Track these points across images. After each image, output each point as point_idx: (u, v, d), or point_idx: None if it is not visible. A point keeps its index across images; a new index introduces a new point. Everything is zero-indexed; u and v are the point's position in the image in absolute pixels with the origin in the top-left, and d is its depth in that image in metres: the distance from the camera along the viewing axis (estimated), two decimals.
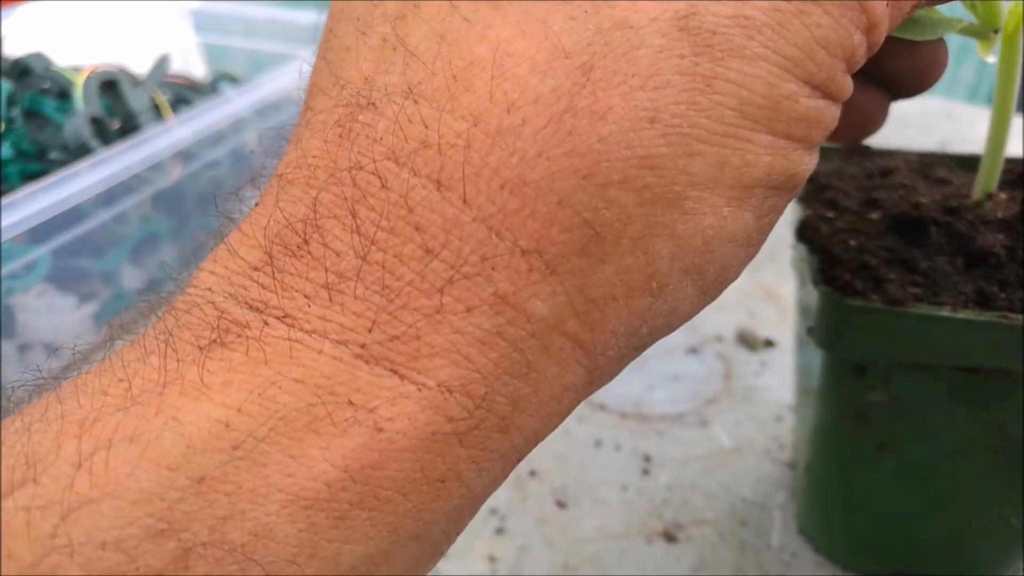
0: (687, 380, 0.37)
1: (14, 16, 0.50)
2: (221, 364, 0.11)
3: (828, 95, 0.13)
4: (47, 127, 0.42)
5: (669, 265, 0.13)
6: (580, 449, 0.33)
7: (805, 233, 0.24)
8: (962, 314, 0.20)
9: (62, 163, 0.39)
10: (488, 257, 0.12)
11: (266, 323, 0.12)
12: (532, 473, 0.32)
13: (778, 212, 0.14)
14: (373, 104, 0.13)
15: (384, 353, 0.12)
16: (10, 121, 0.42)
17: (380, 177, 0.12)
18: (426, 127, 0.12)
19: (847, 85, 0.14)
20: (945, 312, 0.20)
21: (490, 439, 0.12)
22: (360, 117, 0.13)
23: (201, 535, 0.10)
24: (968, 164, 0.27)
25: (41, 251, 0.36)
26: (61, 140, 0.40)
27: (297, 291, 0.12)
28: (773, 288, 0.45)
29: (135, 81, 0.44)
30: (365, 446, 0.11)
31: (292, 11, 0.56)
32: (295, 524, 0.11)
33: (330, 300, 0.12)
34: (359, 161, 0.12)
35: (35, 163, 0.41)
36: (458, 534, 0.13)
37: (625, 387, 0.37)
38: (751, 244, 0.14)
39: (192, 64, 0.53)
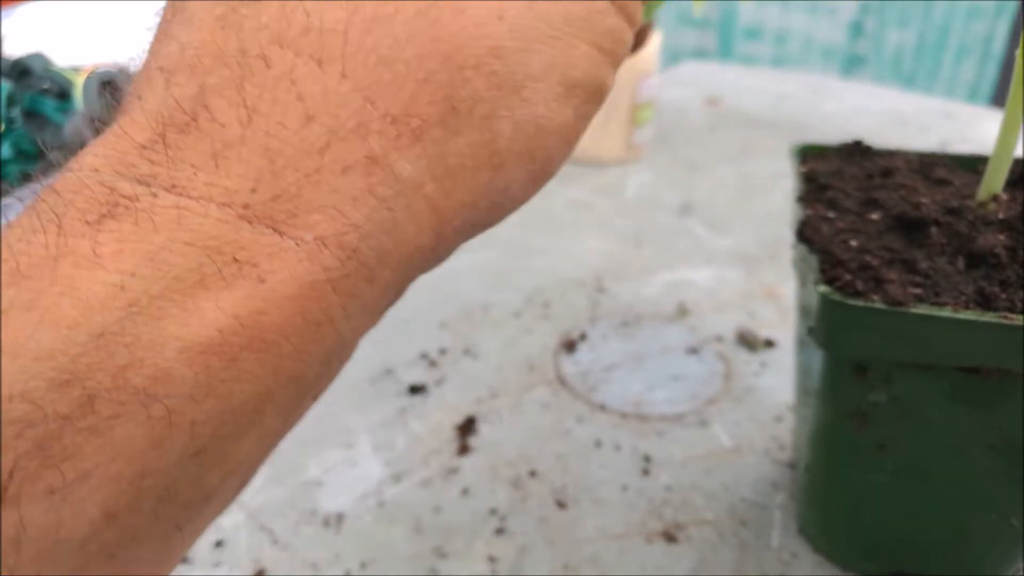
0: (687, 380, 0.37)
1: (14, 16, 0.50)
2: (112, 235, 0.12)
3: (626, 17, 0.16)
4: (47, 127, 0.42)
5: (508, 145, 0.15)
6: (580, 449, 0.33)
7: (806, 233, 0.24)
8: (963, 314, 0.20)
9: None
10: (363, 123, 0.13)
11: (155, 195, 0.13)
12: (532, 473, 0.32)
13: (588, 119, 0.16)
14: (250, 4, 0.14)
15: (266, 212, 0.13)
16: (10, 121, 0.42)
17: (265, 59, 0.13)
18: (308, 15, 0.14)
19: (638, 11, 0.17)
20: (946, 312, 0.20)
21: (358, 288, 0.14)
22: (242, 10, 0.14)
23: (104, 382, 0.11)
24: (968, 164, 0.27)
25: None
26: (61, 140, 0.40)
27: (185, 162, 0.13)
28: (773, 288, 0.45)
29: None
30: (251, 295, 0.12)
31: None
32: (191, 367, 0.12)
33: (216, 167, 0.13)
34: (244, 47, 0.14)
35: (35, 163, 0.41)
36: (329, 381, 0.15)
37: (625, 387, 0.37)
38: (569, 142, 0.16)
39: None
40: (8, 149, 0.40)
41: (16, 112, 0.42)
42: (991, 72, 1.42)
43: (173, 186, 0.13)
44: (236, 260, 0.13)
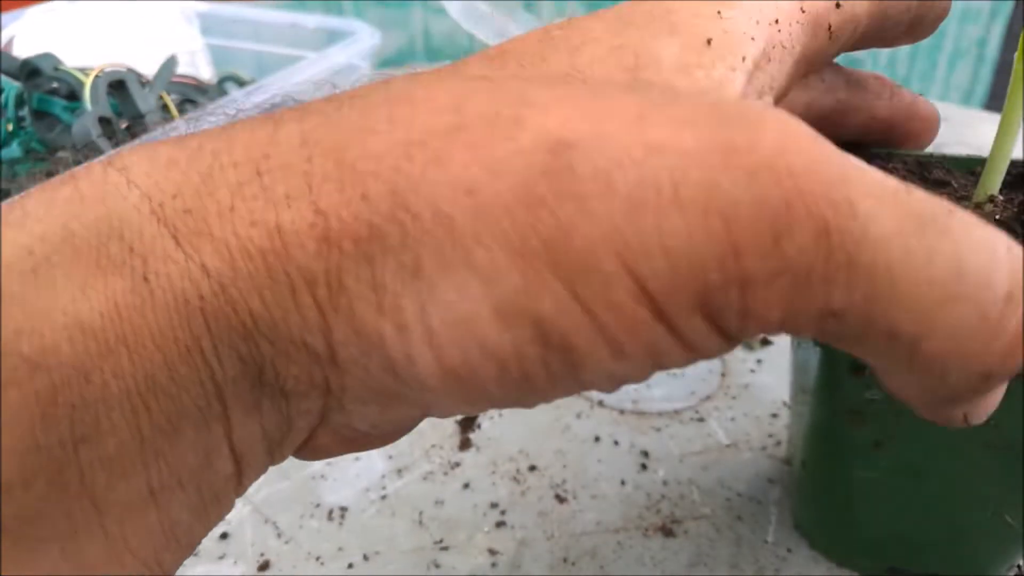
0: (684, 377, 0.38)
1: (24, 17, 0.51)
2: (44, 199, 0.13)
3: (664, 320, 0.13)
4: (56, 127, 0.42)
5: (414, 316, 0.13)
6: (579, 444, 0.34)
7: None
8: None
9: (70, 162, 0.40)
10: (291, 195, 0.13)
11: (105, 172, 0.14)
12: (532, 468, 0.33)
13: (532, 368, 0.13)
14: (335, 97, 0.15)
15: (174, 219, 0.13)
16: (19, 121, 0.43)
17: (275, 121, 0.14)
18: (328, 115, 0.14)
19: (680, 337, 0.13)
20: None
21: (232, 337, 0.13)
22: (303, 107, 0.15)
23: None
24: (966, 165, 0.27)
25: None
26: (70, 140, 0.41)
27: (148, 154, 0.14)
28: None
29: (143, 82, 0.45)
30: (133, 290, 0.13)
31: (298, 14, 0.57)
32: (73, 345, 0.12)
33: (165, 166, 0.14)
34: (278, 116, 0.15)
35: (44, 162, 0.42)
36: (236, 450, 0.14)
37: None
38: (502, 372, 0.13)
39: (199, 65, 0.54)
40: (17, 148, 0.41)
41: (25, 112, 0.42)
42: (985, 75, 1.43)
43: (123, 167, 0.14)
44: (132, 250, 0.13)
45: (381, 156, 0.13)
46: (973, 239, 0.12)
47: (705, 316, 0.13)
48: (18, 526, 0.12)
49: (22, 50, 0.48)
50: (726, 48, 0.16)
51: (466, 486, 0.32)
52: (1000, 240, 0.13)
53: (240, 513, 0.31)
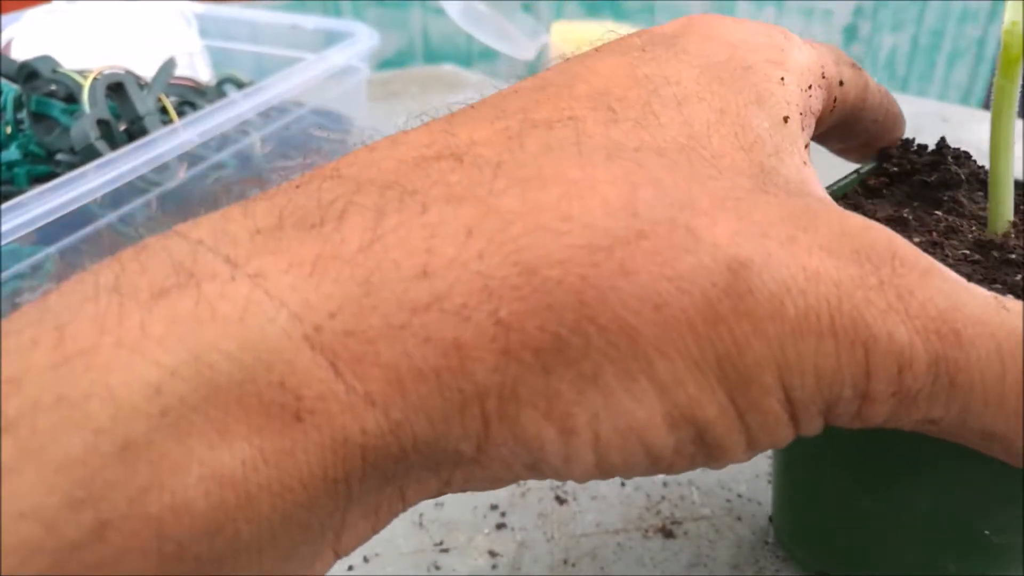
0: None
1: (22, 20, 0.51)
2: (166, 313, 0.11)
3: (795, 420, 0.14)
4: (54, 129, 0.42)
5: (584, 423, 0.13)
6: None
7: None
8: None
9: (69, 165, 0.40)
10: (469, 305, 0.12)
11: (233, 278, 0.12)
12: None
13: (678, 460, 0.14)
14: (458, 159, 0.14)
15: (332, 344, 0.12)
16: (17, 123, 0.43)
17: (424, 205, 0.13)
18: (491, 190, 0.14)
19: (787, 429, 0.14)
20: None
21: (386, 465, 0.12)
22: (437, 163, 0.14)
23: (120, 507, 0.10)
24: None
25: (49, 251, 0.37)
26: (68, 142, 0.41)
27: (284, 255, 0.12)
28: None
29: (141, 84, 0.45)
30: (283, 431, 0.11)
31: (297, 15, 0.57)
32: (209, 500, 0.11)
33: (310, 273, 0.12)
34: (413, 187, 0.13)
35: (42, 165, 0.42)
36: (340, 550, 0.13)
37: None
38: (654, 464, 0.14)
39: (198, 67, 0.54)
40: (16, 151, 0.41)
41: (24, 114, 0.42)
42: (984, 75, 1.43)
43: (257, 274, 0.12)
44: (283, 385, 0.11)
45: (565, 262, 0.13)
46: None
47: (824, 416, 0.14)
48: None
49: (20, 52, 0.48)
50: (795, 129, 0.17)
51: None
52: None
53: None
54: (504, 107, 0.16)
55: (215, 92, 0.50)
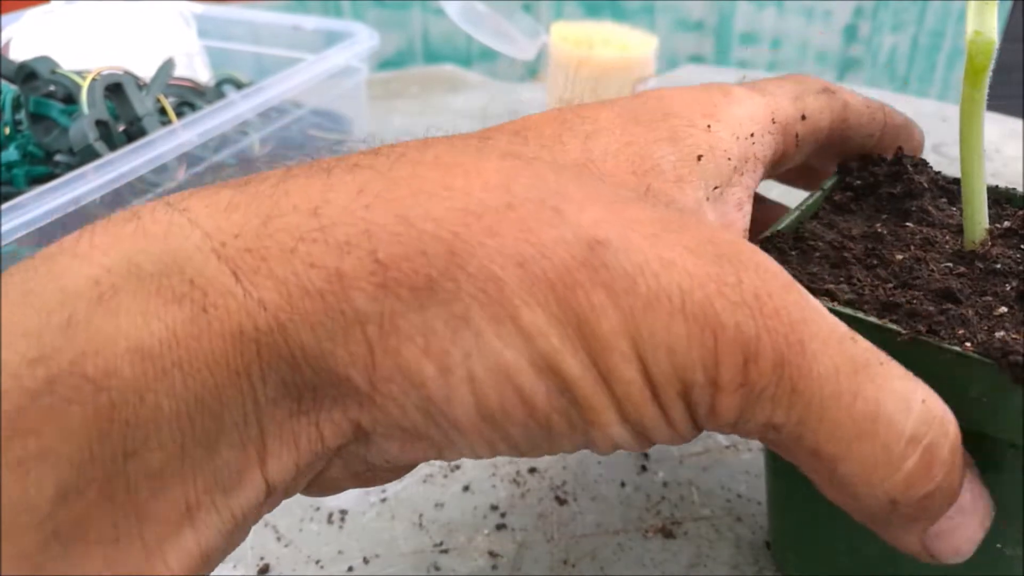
0: None
1: (20, 20, 0.51)
2: (110, 235, 0.14)
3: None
4: (53, 130, 0.42)
5: (459, 360, 0.15)
6: None
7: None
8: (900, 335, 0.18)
9: (68, 166, 0.40)
10: (352, 243, 0.14)
11: (168, 211, 0.15)
12: (532, 470, 0.33)
13: (554, 417, 0.16)
14: (374, 153, 0.17)
15: (234, 256, 0.14)
16: (16, 124, 0.43)
17: (329, 171, 0.16)
18: (388, 155, 0.17)
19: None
20: (872, 318, 0.19)
21: (279, 364, 0.14)
22: (357, 156, 0.17)
23: (64, 365, 0.13)
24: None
25: None
26: (67, 143, 0.40)
27: (208, 198, 0.15)
28: None
29: (140, 84, 0.44)
30: (192, 319, 0.14)
31: (295, 16, 0.57)
32: (133, 368, 0.13)
33: (224, 208, 0.15)
34: (328, 164, 0.16)
35: (41, 166, 0.42)
36: (268, 476, 0.15)
37: None
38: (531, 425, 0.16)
39: (197, 68, 0.54)
40: (14, 152, 0.41)
41: (22, 115, 0.42)
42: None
43: (184, 208, 0.15)
44: (192, 283, 0.14)
45: (440, 219, 0.15)
46: (894, 388, 0.15)
47: (685, 405, 0.16)
48: (69, 529, 0.13)
49: (19, 53, 0.48)
50: (710, 168, 0.19)
51: (466, 488, 0.32)
52: (918, 392, 0.16)
53: None
54: (437, 138, 0.18)
55: (214, 93, 0.50)
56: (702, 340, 0.15)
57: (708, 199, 0.19)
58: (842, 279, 0.21)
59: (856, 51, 1.43)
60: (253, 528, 0.31)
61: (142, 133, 0.42)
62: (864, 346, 0.16)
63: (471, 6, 0.58)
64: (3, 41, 0.49)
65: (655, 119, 0.19)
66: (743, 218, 0.21)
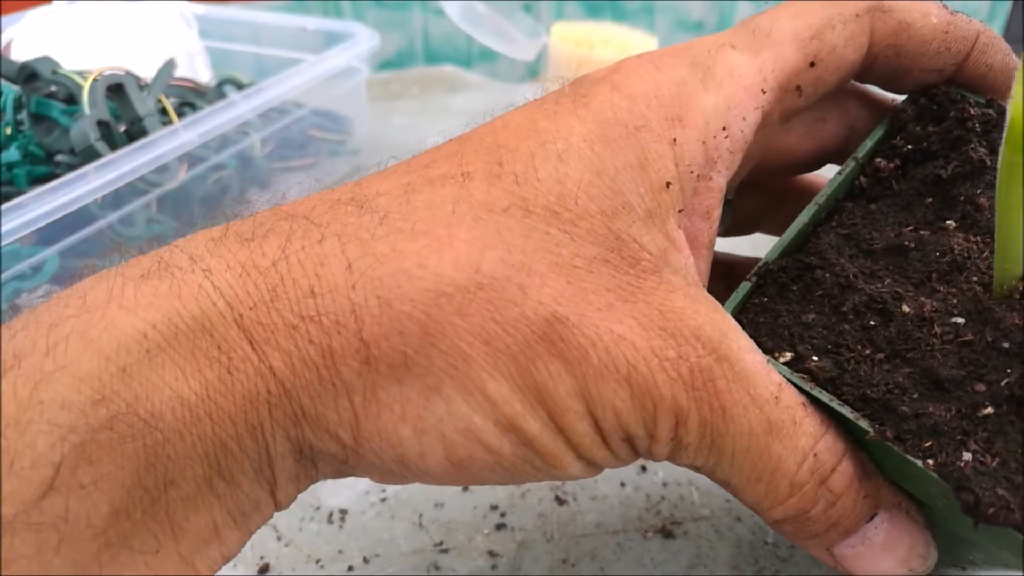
0: None
1: (22, 21, 0.51)
2: (150, 288, 0.17)
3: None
4: (54, 130, 0.42)
5: (432, 424, 0.18)
6: None
7: None
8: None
9: (69, 166, 0.40)
10: (342, 323, 0.17)
11: (193, 270, 0.17)
12: None
13: (518, 464, 0.19)
14: (359, 205, 0.19)
15: (251, 328, 0.17)
16: (17, 124, 0.43)
17: (322, 235, 0.18)
18: (373, 236, 0.18)
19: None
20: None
21: (285, 422, 0.17)
22: (344, 207, 0.19)
23: (121, 407, 0.15)
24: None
25: (48, 252, 0.37)
26: (68, 143, 0.41)
27: (224, 259, 0.17)
28: None
29: (141, 85, 0.45)
30: (220, 379, 0.16)
31: (296, 17, 0.57)
32: (174, 414, 0.16)
33: (240, 275, 0.17)
34: (321, 221, 0.18)
35: (42, 166, 0.42)
36: (277, 500, 0.18)
37: None
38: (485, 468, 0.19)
39: (198, 68, 0.54)
40: (16, 152, 0.41)
41: (24, 115, 0.42)
42: None
43: (207, 270, 0.17)
44: (220, 348, 0.17)
45: (415, 300, 0.17)
46: (797, 446, 0.19)
47: (629, 447, 0.19)
48: (119, 541, 0.16)
49: (20, 53, 0.48)
50: (676, 191, 0.20)
51: (466, 488, 0.32)
52: (817, 446, 0.19)
53: None
54: (418, 162, 0.20)
55: (215, 93, 0.50)
56: (643, 405, 0.18)
57: (680, 226, 0.20)
58: (829, 348, 0.20)
59: None
60: None
61: (143, 133, 0.42)
62: (785, 405, 0.19)
63: (471, 7, 0.59)
64: (4, 42, 0.49)
65: (625, 134, 0.19)
66: (710, 228, 0.21)
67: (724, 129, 0.20)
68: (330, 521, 0.31)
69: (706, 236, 0.21)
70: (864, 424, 0.19)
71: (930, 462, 0.18)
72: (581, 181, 0.19)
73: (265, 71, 0.53)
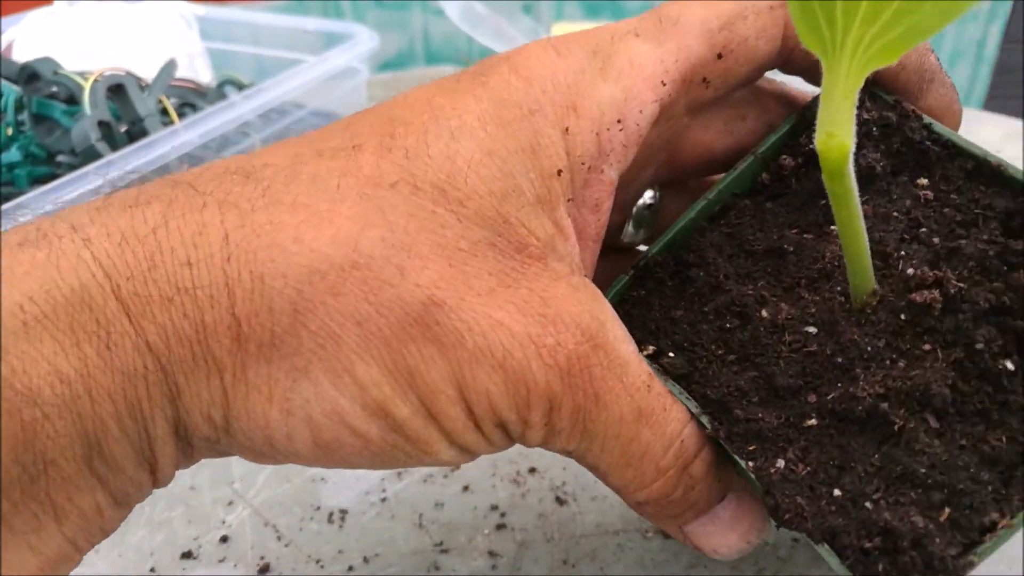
0: None
1: (23, 21, 0.51)
2: (28, 258, 0.16)
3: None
4: (55, 131, 0.43)
5: (299, 406, 0.17)
6: None
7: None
8: None
9: (70, 166, 0.40)
10: (215, 297, 0.17)
11: (72, 240, 0.16)
12: (532, 470, 0.33)
13: (387, 449, 0.18)
14: (246, 175, 0.18)
15: (127, 299, 0.16)
16: (19, 125, 0.43)
17: (204, 202, 0.17)
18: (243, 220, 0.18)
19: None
20: None
21: (163, 401, 0.17)
22: (231, 176, 0.18)
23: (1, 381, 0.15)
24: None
25: None
26: (69, 144, 0.41)
27: (105, 227, 0.17)
28: None
29: (142, 85, 0.45)
30: (98, 354, 0.16)
31: (296, 17, 0.57)
32: (53, 390, 0.15)
33: (119, 244, 0.16)
34: (205, 189, 0.18)
35: (43, 166, 0.42)
36: (157, 476, 0.18)
37: None
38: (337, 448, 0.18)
39: (198, 69, 0.54)
40: (17, 152, 0.41)
41: (25, 116, 0.42)
42: (984, 75, 1.42)
43: (86, 239, 0.16)
44: (98, 322, 0.16)
45: (287, 277, 0.17)
46: (665, 432, 0.19)
47: (502, 432, 0.19)
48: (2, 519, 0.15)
49: (21, 54, 0.48)
50: (567, 180, 0.19)
51: (466, 488, 0.32)
52: (682, 433, 0.20)
53: (240, 516, 0.31)
54: (314, 134, 0.19)
55: (215, 94, 0.50)
56: (517, 391, 0.18)
57: (568, 216, 0.20)
58: (687, 345, 0.21)
59: None
60: (254, 527, 0.31)
61: (144, 134, 0.42)
62: (656, 392, 0.19)
63: (471, 7, 0.59)
64: (5, 42, 0.50)
65: (519, 116, 0.19)
66: (598, 220, 0.20)
67: (619, 122, 0.20)
68: (330, 521, 0.31)
69: (594, 228, 0.20)
70: (705, 420, 0.20)
71: (751, 464, 0.19)
72: (472, 160, 0.18)
73: (265, 72, 0.53)
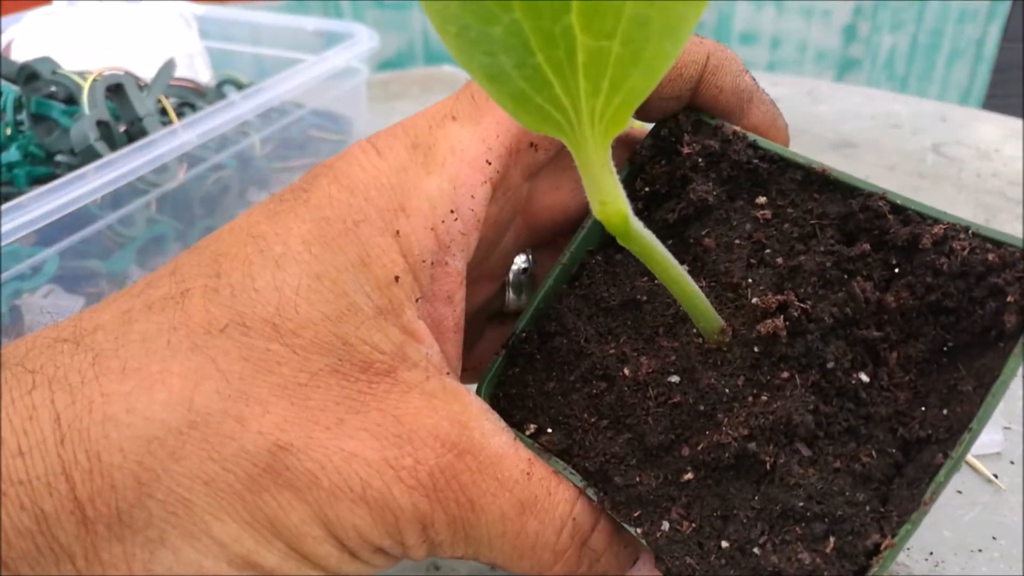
0: None
1: (22, 21, 0.51)
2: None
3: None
4: (54, 131, 0.42)
5: (163, 573, 0.17)
6: None
7: None
8: None
9: (69, 166, 0.40)
10: (52, 485, 0.16)
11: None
12: None
13: None
14: (76, 343, 0.18)
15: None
16: (17, 125, 0.43)
17: (34, 382, 0.17)
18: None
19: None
20: None
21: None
22: (61, 346, 0.18)
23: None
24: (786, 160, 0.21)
25: (49, 252, 0.37)
26: (68, 143, 0.41)
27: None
28: None
29: (141, 85, 0.45)
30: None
31: (296, 17, 0.57)
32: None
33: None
34: (35, 366, 0.17)
35: (42, 166, 0.42)
36: None
37: None
38: None
39: (198, 69, 0.54)
40: (15, 152, 0.41)
41: (24, 116, 0.42)
42: (983, 74, 1.43)
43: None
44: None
45: (125, 451, 0.16)
46: (554, 517, 0.19)
47: (384, 555, 0.19)
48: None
49: (20, 54, 0.48)
50: (408, 282, 0.19)
51: None
52: (572, 512, 0.19)
53: None
54: (142, 283, 0.19)
55: (215, 93, 0.50)
56: (384, 519, 0.18)
57: (417, 319, 0.19)
58: (562, 419, 0.21)
59: (855, 51, 1.43)
60: None
61: (143, 133, 0.42)
62: (537, 479, 0.19)
63: None
64: (4, 42, 0.49)
65: (344, 231, 0.19)
66: (454, 311, 0.20)
67: (452, 212, 0.20)
68: None
69: (451, 320, 0.20)
70: (591, 493, 0.20)
71: (639, 531, 0.19)
72: (300, 287, 0.18)
73: (265, 71, 0.53)
